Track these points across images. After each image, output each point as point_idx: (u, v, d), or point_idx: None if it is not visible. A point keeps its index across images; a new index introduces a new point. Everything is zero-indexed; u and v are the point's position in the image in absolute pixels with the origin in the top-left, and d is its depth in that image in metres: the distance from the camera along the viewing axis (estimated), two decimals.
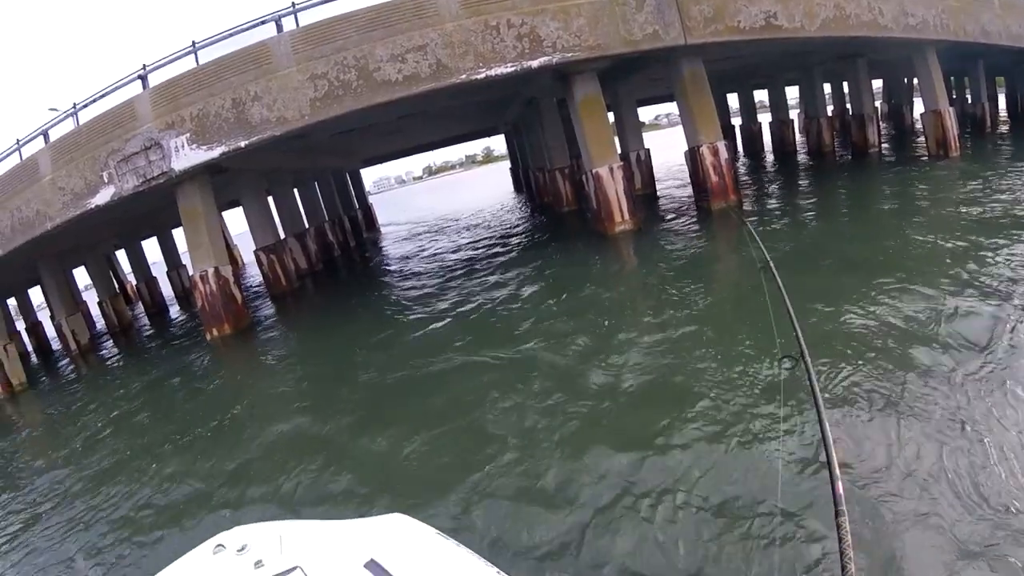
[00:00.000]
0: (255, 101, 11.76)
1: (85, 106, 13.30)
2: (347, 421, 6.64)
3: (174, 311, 23.29)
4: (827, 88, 24.17)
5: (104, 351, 18.62)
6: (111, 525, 5.76)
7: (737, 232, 11.36)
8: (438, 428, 5.71)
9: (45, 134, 13.65)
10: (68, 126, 13.51)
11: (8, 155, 14.29)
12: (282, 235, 18.78)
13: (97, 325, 23.41)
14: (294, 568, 2.17)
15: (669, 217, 14.09)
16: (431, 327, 9.50)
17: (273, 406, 8.25)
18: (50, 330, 23.31)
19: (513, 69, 11.69)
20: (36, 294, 26.74)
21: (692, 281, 8.55)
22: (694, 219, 12.96)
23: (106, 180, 12.67)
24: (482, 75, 11.63)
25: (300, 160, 19.31)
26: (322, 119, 11.84)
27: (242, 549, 2.38)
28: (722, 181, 13.05)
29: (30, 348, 23.93)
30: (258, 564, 2.25)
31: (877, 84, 24.86)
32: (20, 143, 14.13)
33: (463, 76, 11.59)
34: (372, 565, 2.12)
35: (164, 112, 12.18)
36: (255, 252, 17.47)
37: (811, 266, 7.97)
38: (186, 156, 12.22)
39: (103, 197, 12.81)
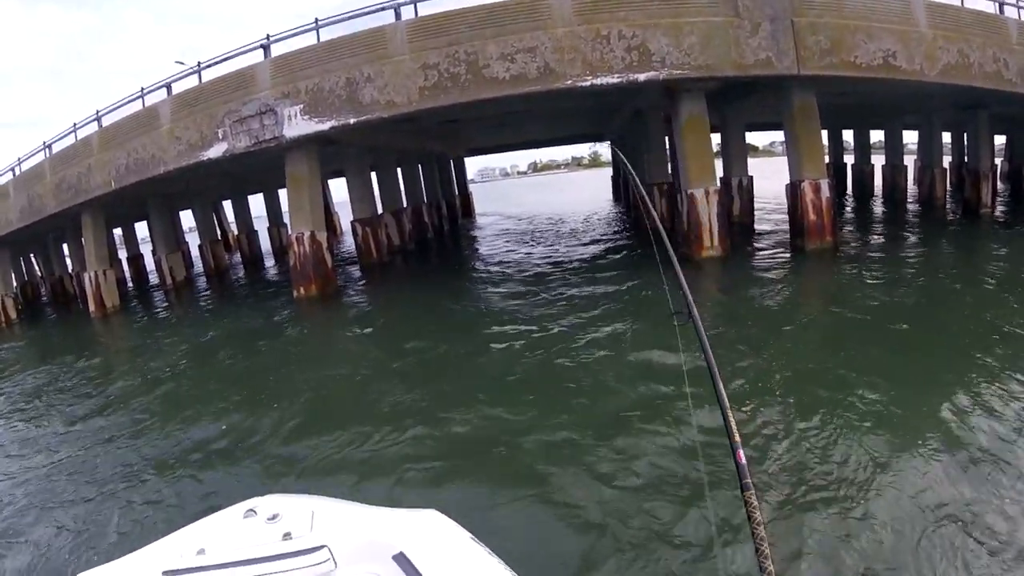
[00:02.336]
0: (367, 82, 12.31)
1: (209, 66, 14.36)
2: (396, 389, 7.00)
3: (269, 264, 24.71)
4: (947, 138, 22.70)
5: (197, 290, 19.97)
6: (160, 450, 6.29)
7: (831, 279, 10.94)
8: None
9: (168, 86, 14.79)
10: (190, 82, 14.63)
11: (131, 100, 15.58)
12: (380, 210, 19.54)
13: (195, 266, 24.96)
14: (322, 547, 2.15)
15: (760, 250, 13.65)
16: (501, 323, 9.64)
17: (335, 365, 8.83)
18: (149, 263, 25.18)
19: (619, 80, 11.69)
20: (142, 228, 28.80)
21: (753, 328, 8.06)
22: (785, 258, 12.49)
23: (220, 137, 13.64)
24: (588, 83, 11.70)
25: (406, 141, 19.91)
26: (429, 107, 12.27)
27: (273, 518, 2.38)
28: (820, 221, 12.54)
29: (128, 277, 25.89)
30: (286, 536, 2.26)
31: (1001, 140, 23.01)
32: (144, 91, 15.34)
33: (569, 81, 11.70)
34: (400, 559, 2.07)
35: (281, 82, 12.98)
36: (352, 223, 18.39)
37: (883, 335, 7.21)
38: (297, 125, 12.96)
39: (215, 152, 13.80)
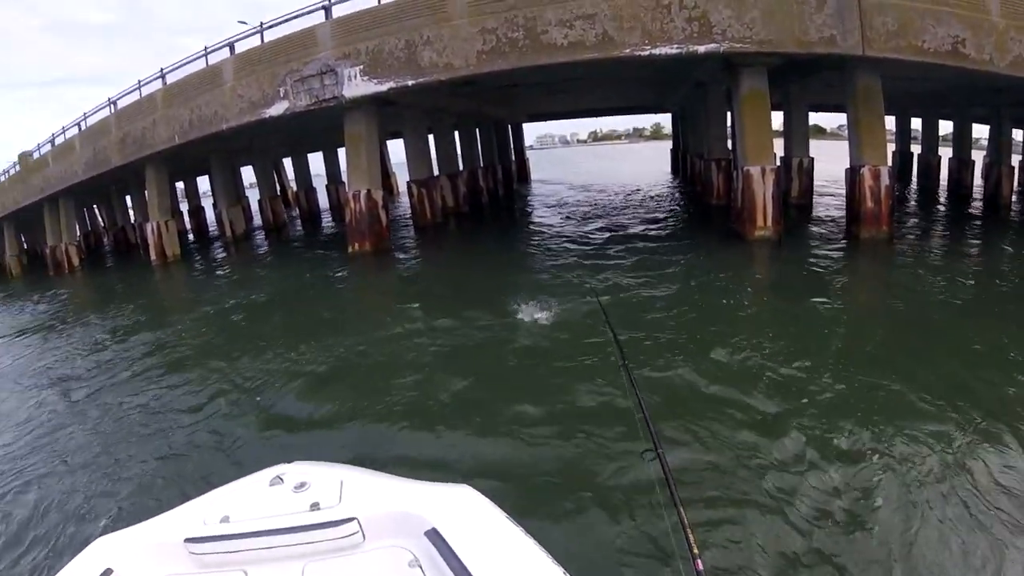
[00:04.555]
0: (426, 45, 12.48)
1: (271, 26, 14.73)
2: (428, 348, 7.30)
3: (326, 220, 25.36)
4: (1018, 135, 21.51)
5: (255, 243, 20.69)
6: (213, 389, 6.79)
7: (878, 274, 10.62)
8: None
9: (231, 45, 15.25)
10: (253, 42, 15.05)
11: (195, 59, 16.21)
12: (435, 172, 19.82)
13: (254, 220, 25.83)
14: (351, 519, 2.10)
15: (815, 234, 13.34)
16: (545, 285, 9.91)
17: (381, 314, 9.28)
18: (210, 216, 26.12)
19: (679, 51, 11.53)
20: (203, 182, 29.76)
21: (793, 319, 7.74)
22: (839, 244, 12.14)
23: (281, 95, 14.07)
24: (646, 52, 11.59)
25: (464, 104, 20.05)
26: (486, 71, 12.38)
27: (300, 486, 2.31)
28: (877, 208, 12.16)
29: (189, 227, 26.91)
30: (314, 506, 2.20)
31: None
32: (208, 50, 15.90)
33: (627, 50, 11.61)
34: (433, 535, 2.00)
35: (342, 43, 13.28)
36: (408, 183, 18.70)
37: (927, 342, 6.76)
38: (357, 86, 13.26)
39: (277, 109, 14.24)
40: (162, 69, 16.87)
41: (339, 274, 13.12)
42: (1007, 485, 3.76)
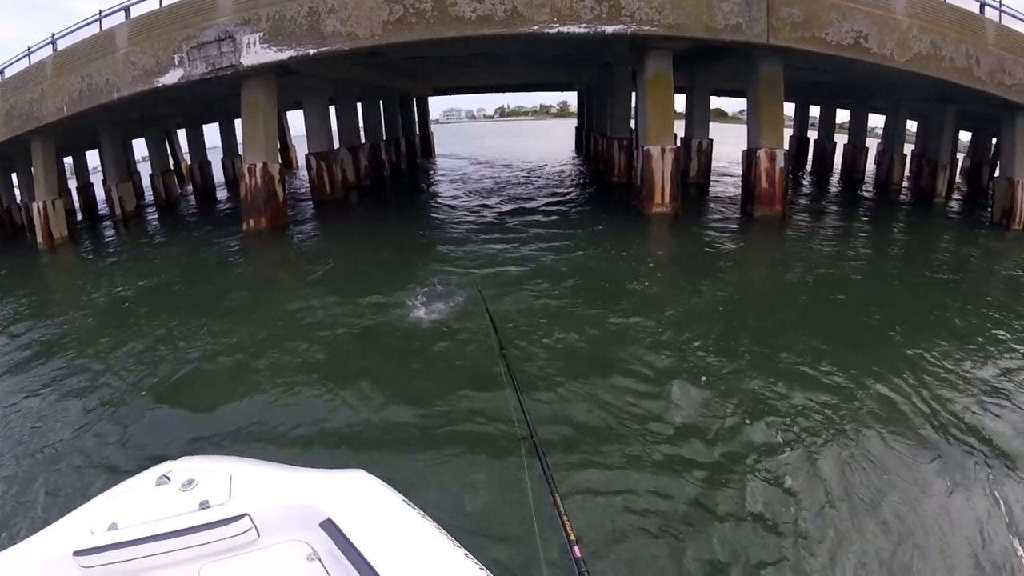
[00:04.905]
0: (330, 13, 11.98)
1: None
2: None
3: (222, 196, 24.17)
4: (913, 127, 23.07)
5: (147, 221, 19.52)
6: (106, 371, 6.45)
7: (767, 246, 11.21)
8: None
9: (126, 9, 14.08)
10: (151, 6, 13.95)
11: (88, 24, 14.88)
12: (336, 145, 19.12)
13: (146, 196, 24.30)
14: (242, 516, 2.03)
15: (710, 211, 13.90)
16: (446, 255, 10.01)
17: (274, 294, 9.05)
18: (100, 194, 24.36)
19: (587, 30, 11.58)
20: (93, 157, 27.68)
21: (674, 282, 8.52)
22: (733, 220, 12.76)
23: (176, 63, 13.15)
24: (554, 30, 11.58)
25: (368, 76, 19.47)
26: (392, 42, 12.03)
27: (188, 484, 2.23)
28: (772, 190, 12.74)
29: (78, 207, 25.06)
30: (203, 505, 2.12)
31: (966, 137, 23.40)
32: (102, 14, 14.62)
33: (535, 27, 11.56)
34: (328, 526, 1.95)
35: (242, 8, 12.54)
36: (307, 156, 17.97)
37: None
38: (256, 53, 12.58)
39: (171, 78, 13.30)
40: (53, 34, 15.37)
41: (234, 255, 12.46)
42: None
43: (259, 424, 4.97)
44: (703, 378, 5.23)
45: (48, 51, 15.39)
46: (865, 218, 14.60)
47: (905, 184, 20.05)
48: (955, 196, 17.42)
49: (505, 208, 14.90)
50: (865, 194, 18.65)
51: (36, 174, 17.38)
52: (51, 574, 1.99)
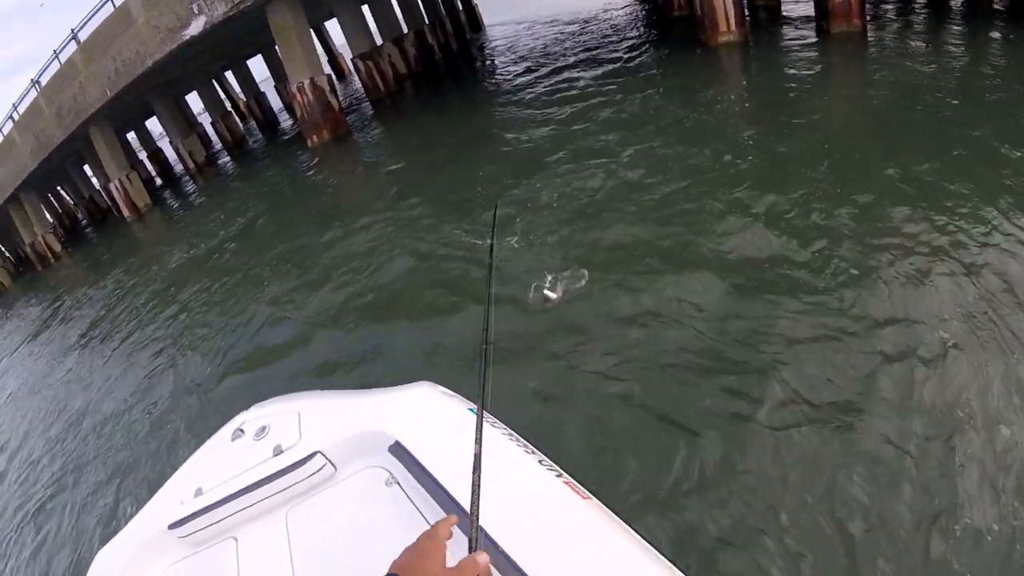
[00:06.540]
0: None
1: None
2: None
3: (284, 122, 24.43)
4: None
5: (219, 166, 20.15)
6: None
7: (857, 65, 10.10)
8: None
9: None
10: None
11: (101, 7, 15.07)
12: (379, 41, 18.68)
13: (213, 144, 24.92)
14: (314, 454, 2.02)
15: (782, 35, 12.67)
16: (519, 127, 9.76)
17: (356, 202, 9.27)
18: (171, 154, 25.25)
19: None
20: (155, 125, 28.58)
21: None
22: (809, 42, 11.48)
23: (196, 11, 13.09)
24: None
25: None
26: None
27: (260, 432, 2.25)
28: (846, 1, 11.49)
29: (153, 173, 26.15)
30: (277, 450, 2.12)
31: None
32: None
33: None
34: (397, 449, 1.91)
35: None
36: (352, 60, 17.77)
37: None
38: None
39: (196, 28, 13.30)
40: (72, 30, 15.80)
41: (307, 173, 12.70)
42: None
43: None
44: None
45: (73, 47, 15.90)
46: (953, 33, 12.72)
47: None
48: None
49: (566, 69, 13.96)
50: (953, 4, 16.20)
51: (103, 157, 18.36)
52: (155, 552, 2.08)
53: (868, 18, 11.84)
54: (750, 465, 2.86)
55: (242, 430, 2.31)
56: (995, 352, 3.16)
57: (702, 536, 2.61)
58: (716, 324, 3.89)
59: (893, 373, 3.20)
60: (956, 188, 4.77)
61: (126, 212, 18.09)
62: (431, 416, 2.03)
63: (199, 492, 2.12)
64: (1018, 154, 5.11)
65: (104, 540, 2.32)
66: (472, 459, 1.49)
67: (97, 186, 25.07)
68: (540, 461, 1.76)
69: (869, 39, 11.29)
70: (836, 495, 2.62)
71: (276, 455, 2.09)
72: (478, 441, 1.53)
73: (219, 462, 2.24)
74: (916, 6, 14.77)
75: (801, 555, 2.43)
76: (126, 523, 2.26)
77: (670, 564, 1.42)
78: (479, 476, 1.42)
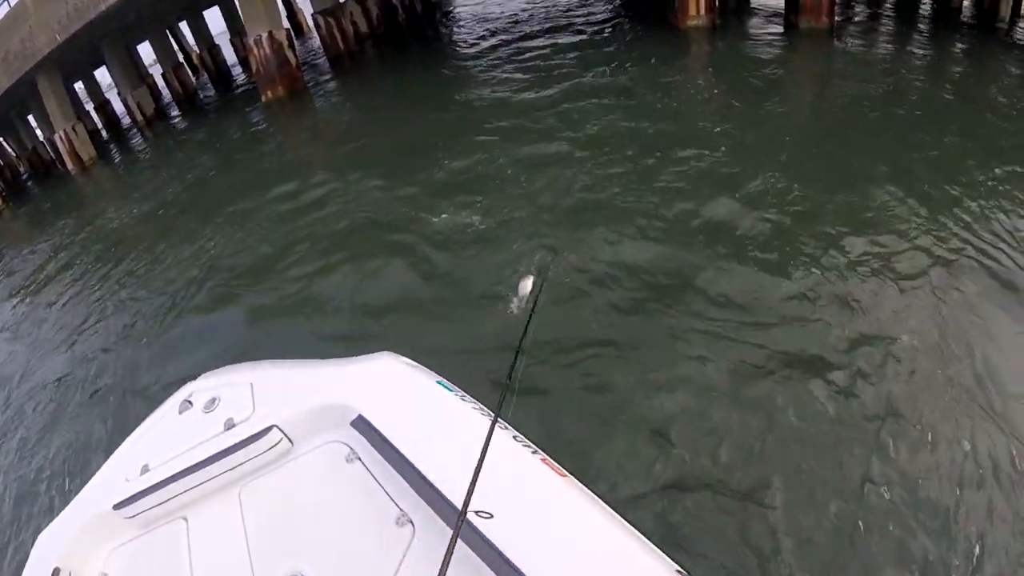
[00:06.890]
0: None
1: None
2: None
3: (238, 76, 23.67)
4: None
5: (169, 119, 19.40)
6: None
7: (821, 62, 10.16)
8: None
9: None
10: None
11: None
12: None
13: (163, 96, 23.96)
14: (269, 428, 1.89)
15: (750, 25, 12.69)
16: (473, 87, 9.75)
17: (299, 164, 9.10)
18: (119, 106, 24.23)
19: None
20: (104, 75, 27.39)
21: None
22: (775, 33, 11.49)
23: None
24: None
25: None
26: None
27: (210, 404, 2.12)
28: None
29: (100, 125, 25.01)
30: (228, 424, 2.00)
31: None
32: None
33: None
34: (360, 423, 1.80)
35: None
36: (312, 15, 17.19)
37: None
38: None
39: None
40: None
41: (259, 127, 12.27)
42: None
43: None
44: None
45: None
46: (919, 38, 12.90)
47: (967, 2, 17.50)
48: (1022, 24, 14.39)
49: (530, 37, 13.67)
50: (922, 11, 16.39)
51: (49, 106, 17.61)
52: (101, 533, 1.95)
53: (837, 18, 11.90)
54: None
55: (190, 402, 2.18)
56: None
57: None
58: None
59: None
60: (907, 181, 5.12)
61: (70, 165, 17.38)
62: (396, 389, 1.91)
63: (145, 469, 1.99)
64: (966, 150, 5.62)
65: (46, 521, 2.16)
66: (457, 446, 1.50)
67: (41, 137, 23.85)
68: (515, 437, 1.69)
69: (835, 37, 11.41)
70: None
71: (228, 429, 1.98)
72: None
73: (166, 436, 2.10)
74: (885, 9, 14.94)
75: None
76: (68, 503, 2.11)
77: (651, 545, 1.42)
78: (477, 476, 1.37)
